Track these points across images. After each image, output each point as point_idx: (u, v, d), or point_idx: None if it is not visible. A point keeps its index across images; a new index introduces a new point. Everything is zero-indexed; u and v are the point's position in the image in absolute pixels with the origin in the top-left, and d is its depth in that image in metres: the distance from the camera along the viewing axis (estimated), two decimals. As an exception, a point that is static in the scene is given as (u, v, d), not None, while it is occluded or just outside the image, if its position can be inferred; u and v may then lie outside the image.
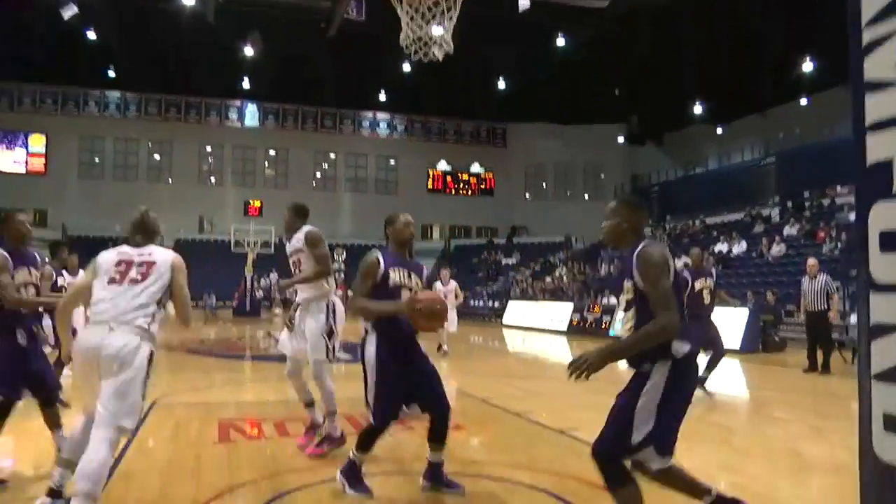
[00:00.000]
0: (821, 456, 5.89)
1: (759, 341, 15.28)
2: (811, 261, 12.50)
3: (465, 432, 6.55)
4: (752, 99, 33.57)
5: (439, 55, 27.00)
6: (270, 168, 44.40)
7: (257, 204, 42.05)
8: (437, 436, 4.57)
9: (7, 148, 39.62)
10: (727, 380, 12.75)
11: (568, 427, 6.60)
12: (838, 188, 26.68)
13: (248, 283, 31.28)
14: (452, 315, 13.03)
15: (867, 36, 2.39)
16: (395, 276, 4.57)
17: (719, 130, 38.98)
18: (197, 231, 40.76)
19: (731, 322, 15.96)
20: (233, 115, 43.29)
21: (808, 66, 30.28)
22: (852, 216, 22.40)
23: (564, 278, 30.63)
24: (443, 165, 45.41)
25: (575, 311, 23.14)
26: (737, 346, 15.24)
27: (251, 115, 43.48)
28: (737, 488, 4.66)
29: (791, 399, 9.57)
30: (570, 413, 7.57)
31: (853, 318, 15.16)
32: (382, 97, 41.82)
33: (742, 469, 5.35)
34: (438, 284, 13.31)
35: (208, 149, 43.04)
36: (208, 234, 40.61)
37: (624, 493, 3.29)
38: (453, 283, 14.04)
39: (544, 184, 46.21)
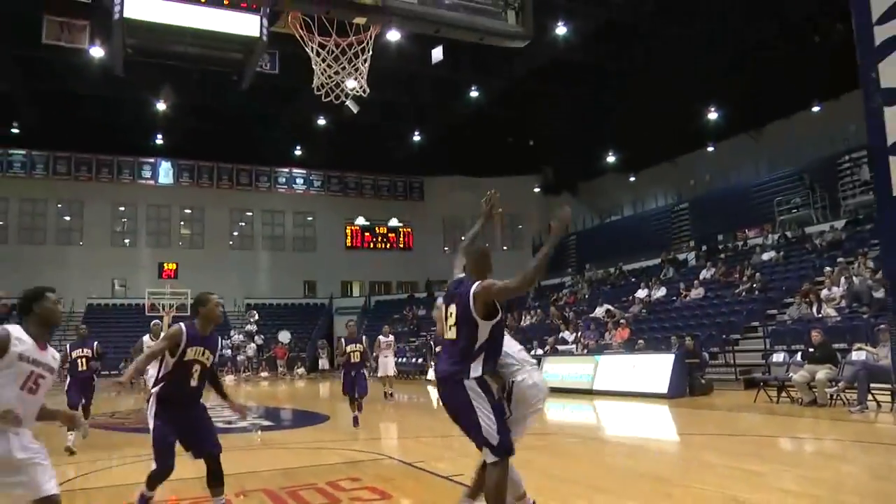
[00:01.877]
0: (758, 499, 5.67)
1: (686, 385, 15.24)
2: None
3: (393, 502, 6.12)
4: (662, 147, 34.45)
5: (354, 109, 26.97)
6: (186, 228, 43.17)
7: (172, 266, 40.67)
8: (213, 478, 5.36)
9: None
10: (657, 425, 12.67)
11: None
12: (747, 231, 27.49)
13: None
14: (391, 360, 18.79)
15: (879, 36, 2.15)
16: (192, 352, 5.38)
17: (632, 179, 39.81)
18: (110, 294, 39.08)
19: (657, 367, 16.01)
20: (146, 173, 41.95)
21: (713, 115, 31.31)
22: (764, 256, 23.16)
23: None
24: (361, 220, 44.99)
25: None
26: (664, 391, 15.24)
27: (165, 172, 42.25)
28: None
29: (722, 443, 9.42)
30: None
31: (775, 357, 15.33)
32: (298, 152, 41.38)
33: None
34: (381, 338, 18.64)
35: (121, 209, 41.55)
36: (122, 297, 38.97)
37: None
38: (391, 337, 19.51)
39: (462, 237, 46.13)
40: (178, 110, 32.25)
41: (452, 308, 4.60)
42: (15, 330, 3.89)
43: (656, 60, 27.38)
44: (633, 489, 6.18)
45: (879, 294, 15.59)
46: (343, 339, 13.02)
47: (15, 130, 36.23)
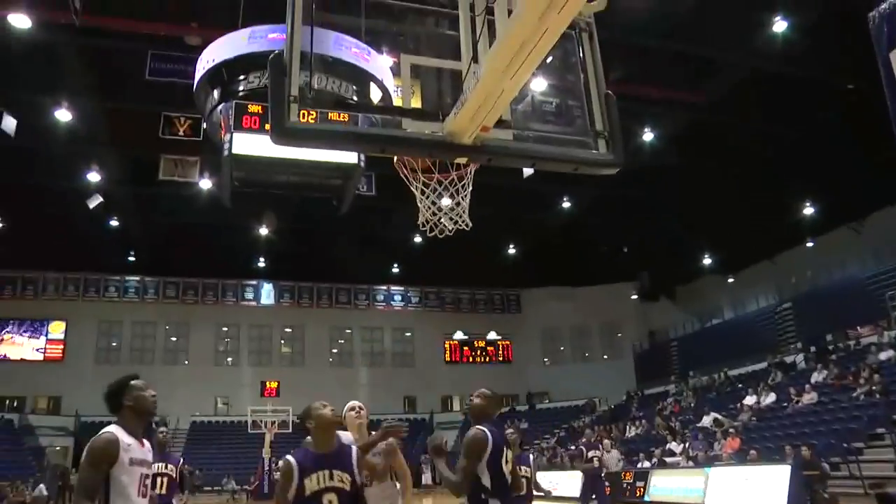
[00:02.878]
0: None
1: (807, 499, 14.42)
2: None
3: None
4: (759, 246, 33.81)
5: (449, 226, 27.71)
6: (286, 346, 44.30)
7: (274, 385, 41.58)
8: None
9: (31, 336, 39.82)
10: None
11: None
12: (859, 328, 26.26)
13: (267, 465, 30.49)
14: None
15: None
16: (313, 481, 3.99)
17: (730, 280, 39.00)
18: (213, 412, 40.10)
19: (773, 480, 15.27)
20: (248, 294, 43.64)
21: (809, 210, 30.65)
22: (882, 355, 22.04)
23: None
24: (459, 335, 45.27)
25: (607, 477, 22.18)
26: (783, 505, 14.50)
27: (267, 293, 43.86)
28: None
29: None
30: None
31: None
32: (396, 270, 42.40)
33: None
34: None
35: (224, 329, 43.14)
36: (224, 415, 39.91)
37: None
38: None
39: (561, 347, 45.88)
40: (279, 234, 33.83)
41: None
42: (118, 432, 3.72)
43: (746, 156, 27.16)
44: None
45: None
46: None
47: (131, 258, 38.72)
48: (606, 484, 15.95)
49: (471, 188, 5.32)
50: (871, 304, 26.73)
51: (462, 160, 4.51)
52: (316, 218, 31.23)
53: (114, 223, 32.73)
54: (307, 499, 3.91)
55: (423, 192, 5.17)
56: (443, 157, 4.51)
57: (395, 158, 5.21)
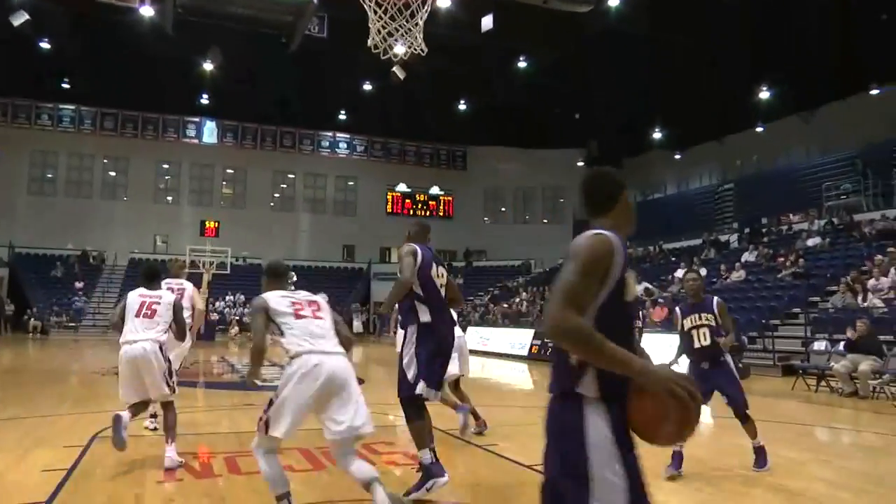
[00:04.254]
0: (799, 487, 5.64)
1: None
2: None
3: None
4: (709, 126, 33.92)
5: (400, 76, 26.89)
6: (228, 187, 43.64)
7: (214, 225, 41.26)
8: None
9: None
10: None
11: (536, 462, 6.27)
12: (791, 216, 26.99)
13: (203, 306, 30.49)
14: None
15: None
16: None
17: (677, 156, 39.32)
18: (152, 250, 39.66)
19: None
20: (191, 132, 42.45)
21: (764, 95, 30.58)
22: (810, 242, 22.75)
23: (525, 303, 30.40)
24: (402, 187, 45.09)
25: (535, 337, 22.86)
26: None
27: (209, 132, 42.71)
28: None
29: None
30: (536, 445, 7.25)
31: (816, 345, 15.12)
32: (343, 117, 41.49)
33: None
34: None
35: (165, 166, 42.13)
36: (162, 253, 39.48)
37: (416, 425, 5.16)
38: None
39: (503, 208, 46.17)
40: (225, 71, 32.44)
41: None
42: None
43: (708, 34, 26.71)
44: (661, 467, 6.15)
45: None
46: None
47: (65, 86, 36.91)
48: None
49: (427, 12, 4.97)
50: (807, 193, 27.43)
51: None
52: (264, 56, 30.07)
53: (45, 45, 30.87)
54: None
55: (375, 13, 4.83)
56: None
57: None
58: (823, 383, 13.34)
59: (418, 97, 34.13)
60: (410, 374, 5.14)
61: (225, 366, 18.80)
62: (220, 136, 42.80)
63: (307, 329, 4.34)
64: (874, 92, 28.19)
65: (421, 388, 5.10)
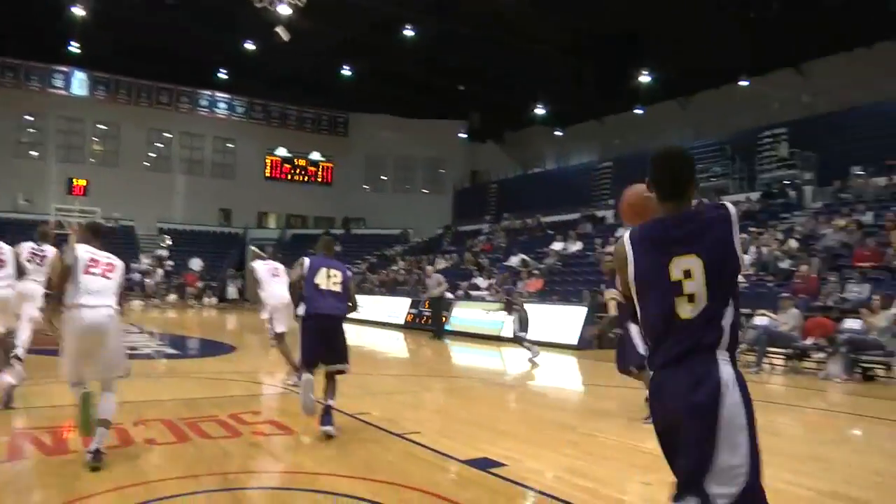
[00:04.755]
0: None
1: (595, 339, 15.47)
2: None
3: (295, 437, 5.94)
4: (591, 106, 34.67)
5: (284, 37, 26.01)
6: (99, 144, 41.19)
7: (83, 183, 38.81)
8: None
9: None
10: (564, 374, 12.86)
11: (405, 430, 6.14)
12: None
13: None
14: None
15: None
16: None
17: (559, 133, 39.99)
18: (12, 208, 36.93)
19: (568, 319, 16.23)
20: (58, 82, 39.53)
21: (645, 79, 31.40)
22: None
23: (402, 272, 30.31)
24: (282, 151, 43.82)
25: (412, 306, 22.82)
26: (574, 342, 15.53)
27: (79, 83, 39.97)
28: (587, 493, 4.36)
29: (624, 395, 9.59)
30: (407, 414, 7.13)
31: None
32: (223, 75, 39.76)
33: (590, 473, 5.04)
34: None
35: (29, 118, 39.22)
36: (27, 212, 36.82)
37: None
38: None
39: (384, 176, 45.69)
40: (98, 17, 30.16)
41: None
42: None
43: (594, 16, 27.18)
44: (538, 434, 6.17)
45: (784, 264, 16.16)
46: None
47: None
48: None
49: None
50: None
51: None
52: (143, 6, 28.43)
53: None
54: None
55: None
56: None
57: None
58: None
59: (301, 60, 33.17)
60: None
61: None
62: (90, 89, 40.15)
63: (87, 285, 4.92)
64: (743, 83, 29.79)
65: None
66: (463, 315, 19.68)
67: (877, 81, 23.73)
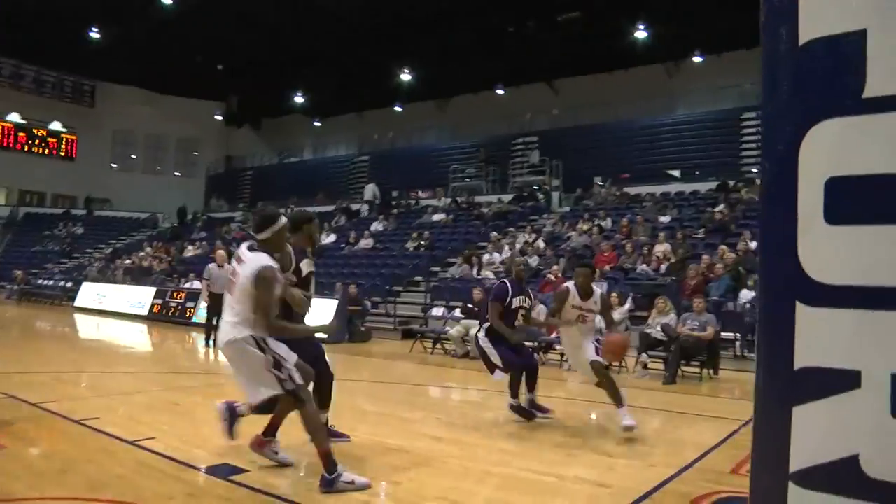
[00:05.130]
0: (408, 447, 5.69)
1: (346, 332, 15.43)
2: (220, 252, 14.68)
3: (7, 451, 5.18)
4: (351, 99, 34.75)
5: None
6: None
7: None
8: None
9: None
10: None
11: (140, 437, 5.64)
12: (420, 192, 28.77)
13: None
14: None
15: None
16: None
17: (317, 123, 39.68)
18: None
19: (320, 313, 16.04)
20: None
21: (405, 77, 32.00)
22: (435, 217, 24.43)
23: (151, 259, 28.51)
24: (15, 117, 39.00)
25: (157, 296, 21.48)
26: (325, 337, 15.34)
27: None
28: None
29: (376, 390, 9.67)
30: (143, 417, 6.58)
31: (434, 311, 16.16)
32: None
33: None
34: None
35: None
36: None
37: None
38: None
39: (133, 155, 42.62)
40: None
41: None
42: None
43: (361, 11, 27.16)
44: (285, 432, 5.92)
45: (534, 262, 17.32)
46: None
47: None
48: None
49: None
50: (437, 173, 29.47)
51: None
52: None
53: None
54: None
55: None
56: None
57: None
58: (439, 346, 14.21)
59: (42, 14, 29.72)
60: None
61: None
62: None
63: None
64: (500, 92, 31.79)
65: None
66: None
67: (615, 104, 26.32)
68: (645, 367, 11.43)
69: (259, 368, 4.40)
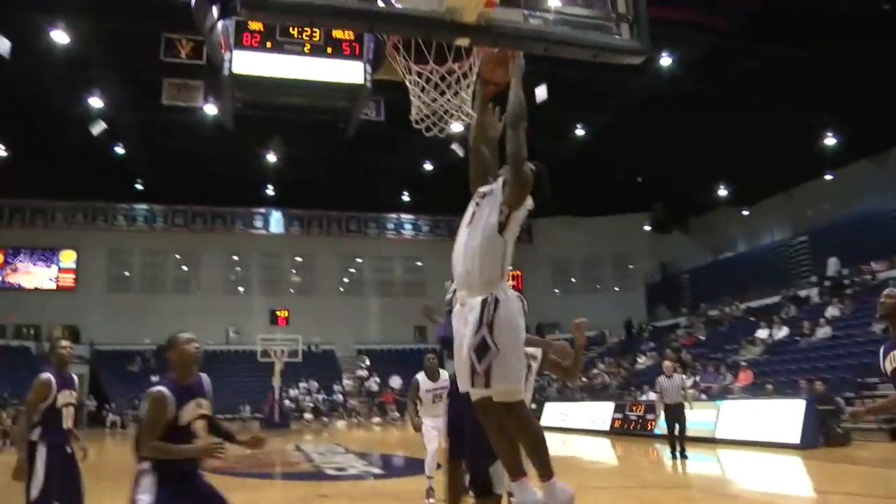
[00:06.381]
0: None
1: (821, 435, 14.16)
2: (666, 363, 14.45)
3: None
4: (775, 178, 32.93)
5: (460, 153, 27.25)
6: (297, 275, 44.23)
7: (284, 314, 41.56)
8: None
9: (43, 265, 39.90)
10: (791, 479, 11.80)
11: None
12: (873, 264, 25.72)
13: (277, 394, 30.85)
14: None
15: None
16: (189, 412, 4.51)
17: (745, 212, 38.39)
18: (224, 341, 40.08)
19: (786, 414, 15.04)
20: (258, 223, 43.35)
21: (830, 141, 29.59)
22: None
23: (605, 375, 29.62)
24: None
25: (616, 410, 22.11)
26: (796, 441, 14.26)
27: (276, 222, 43.55)
28: None
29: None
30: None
31: None
32: (406, 198, 41.80)
33: None
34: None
35: (235, 258, 42.97)
36: (235, 344, 39.96)
37: None
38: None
39: (572, 278, 45.46)
40: (288, 161, 33.19)
41: None
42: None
43: (765, 84, 26.17)
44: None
45: None
46: None
47: (139, 187, 38.48)
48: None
49: (474, 80, 4.78)
50: (890, 239, 26.08)
51: (463, 43, 4.05)
52: (325, 144, 30.67)
53: (119, 150, 32.19)
54: (181, 428, 4.37)
55: (416, 84, 4.66)
56: (441, 38, 4.06)
57: (388, 44, 4.70)
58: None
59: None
60: None
61: (300, 455, 18.47)
62: (286, 226, 43.52)
63: None
64: None
65: None
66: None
67: None
68: None
69: None
